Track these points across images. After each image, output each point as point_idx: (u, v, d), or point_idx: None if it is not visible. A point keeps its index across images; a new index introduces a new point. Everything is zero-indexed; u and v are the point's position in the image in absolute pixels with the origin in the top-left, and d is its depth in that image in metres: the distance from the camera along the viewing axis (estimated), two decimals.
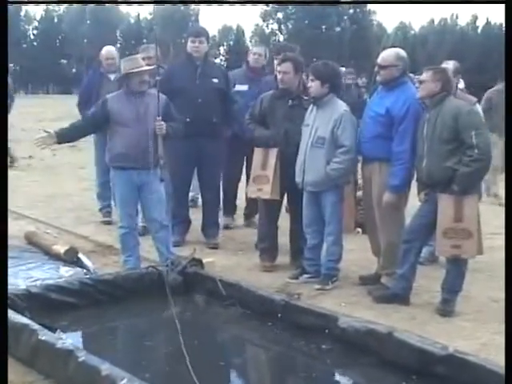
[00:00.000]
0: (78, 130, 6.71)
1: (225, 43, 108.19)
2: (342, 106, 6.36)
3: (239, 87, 8.32)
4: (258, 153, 6.87)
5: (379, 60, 6.18)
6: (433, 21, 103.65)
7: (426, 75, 5.76)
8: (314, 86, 6.33)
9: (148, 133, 6.31)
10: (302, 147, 6.44)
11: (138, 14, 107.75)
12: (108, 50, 8.97)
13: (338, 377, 4.90)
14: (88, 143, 14.68)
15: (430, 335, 4.88)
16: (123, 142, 6.41)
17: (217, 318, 5.96)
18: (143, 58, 7.89)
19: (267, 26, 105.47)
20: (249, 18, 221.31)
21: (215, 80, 7.70)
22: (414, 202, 6.31)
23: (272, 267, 6.98)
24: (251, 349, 5.54)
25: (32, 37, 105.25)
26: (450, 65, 6.94)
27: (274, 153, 6.72)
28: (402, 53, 6.24)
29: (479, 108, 6.91)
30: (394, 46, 6.55)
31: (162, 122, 6.27)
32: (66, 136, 6.63)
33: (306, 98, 6.71)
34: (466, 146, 5.52)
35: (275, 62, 7.47)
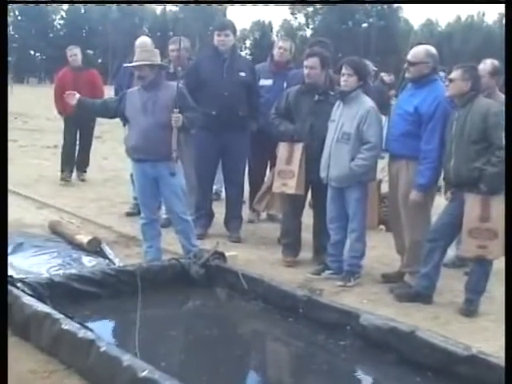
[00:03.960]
0: (103, 107, 6.79)
1: (251, 37, 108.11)
2: (368, 102, 6.33)
3: (263, 82, 8.28)
4: (283, 147, 6.85)
5: (409, 56, 6.13)
6: (459, 18, 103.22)
7: (455, 74, 5.70)
8: (350, 80, 6.28)
9: (158, 125, 6.28)
10: (327, 142, 6.42)
11: (165, 6, 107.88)
12: (141, 40, 8.91)
13: (357, 374, 4.87)
14: (111, 134, 14.74)
15: (453, 335, 4.83)
16: (134, 134, 6.47)
17: (238, 311, 5.96)
18: (172, 50, 7.96)
19: (295, 19, 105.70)
20: (278, 13, 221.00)
21: (242, 73, 7.67)
22: (439, 200, 6.27)
23: (294, 262, 6.97)
24: (271, 343, 5.53)
25: (59, 27, 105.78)
26: (487, 64, 6.73)
27: (299, 147, 6.70)
28: (432, 50, 6.17)
29: None
30: (423, 43, 6.48)
31: (179, 115, 6.25)
32: (87, 107, 6.81)
33: (332, 93, 6.69)
34: (494, 147, 5.47)
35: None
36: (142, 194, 6.68)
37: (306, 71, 6.73)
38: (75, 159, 11.56)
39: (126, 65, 7.46)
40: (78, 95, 6.60)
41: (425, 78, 6.07)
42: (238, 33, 8.43)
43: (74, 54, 11.34)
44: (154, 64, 6.38)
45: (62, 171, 11.28)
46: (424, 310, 5.78)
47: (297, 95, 6.84)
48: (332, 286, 6.28)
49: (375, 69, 13.57)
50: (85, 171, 11.66)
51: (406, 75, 6.25)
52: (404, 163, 6.18)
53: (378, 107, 6.47)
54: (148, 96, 6.36)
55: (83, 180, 11.50)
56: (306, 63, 6.73)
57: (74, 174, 11.27)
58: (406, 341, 4.65)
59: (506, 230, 5.33)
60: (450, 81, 5.76)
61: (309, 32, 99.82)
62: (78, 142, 11.57)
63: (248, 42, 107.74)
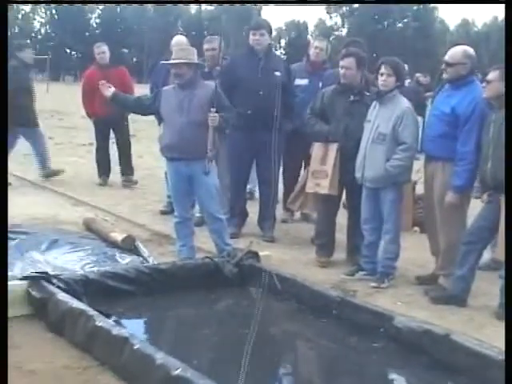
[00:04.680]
0: (137, 103, 6.83)
1: (287, 37, 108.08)
2: (404, 103, 6.29)
3: (299, 81, 8.29)
4: (317, 148, 6.84)
5: (446, 57, 6.08)
6: (496, 18, 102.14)
7: (492, 75, 5.64)
8: (389, 81, 6.25)
9: (194, 124, 6.30)
10: (362, 143, 6.39)
11: (200, 5, 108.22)
12: (177, 39, 8.92)
13: (389, 376, 4.83)
14: (145, 133, 14.80)
15: (487, 339, 4.79)
16: (168, 133, 6.49)
17: (271, 311, 5.96)
18: (207, 49, 7.97)
19: (331, 19, 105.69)
20: (313, 12, 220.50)
21: (277, 73, 7.66)
22: (475, 203, 6.22)
23: (328, 263, 6.95)
24: (303, 344, 5.51)
25: (94, 25, 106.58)
26: None
27: (333, 148, 6.68)
28: (470, 51, 6.13)
29: None
30: (460, 44, 6.43)
31: (216, 114, 6.26)
32: (120, 101, 6.84)
33: (367, 93, 6.66)
34: None
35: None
36: (175, 193, 6.70)
37: (341, 71, 6.71)
38: (110, 162, 11.24)
39: (163, 62, 7.49)
40: (112, 88, 6.62)
41: (462, 79, 6.03)
42: (273, 32, 8.39)
43: (102, 51, 10.85)
44: (191, 62, 6.39)
45: (100, 176, 11.06)
46: (458, 312, 5.74)
47: (332, 95, 6.82)
48: (366, 287, 6.26)
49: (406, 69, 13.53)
50: (131, 174, 11.14)
51: (443, 76, 6.21)
52: (440, 165, 6.14)
53: (414, 108, 6.44)
54: (184, 94, 6.37)
55: (136, 183, 11.02)
56: (341, 63, 6.71)
57: (121, 180, 11.04)
58: (441, 344, 4.62)
59: (506, 230, 5.28)
60: (488, 82, 5.71)
61: (344, 32, 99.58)
62: (114, 145, 11.28)
63: (283, 42, 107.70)
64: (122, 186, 10.85)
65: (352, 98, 6.70)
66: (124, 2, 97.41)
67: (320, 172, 6.74)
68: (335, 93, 6.82)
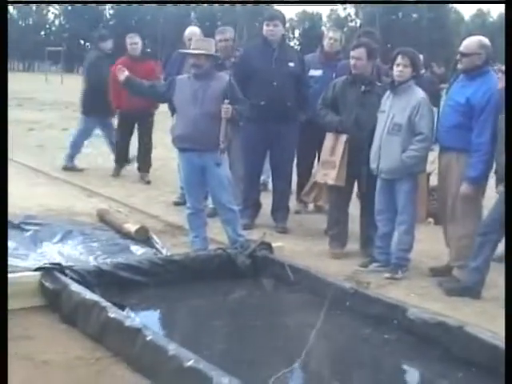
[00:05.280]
0: (151, 89, 6.83)
1: (301, 27, 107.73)
2: (419, 94, 6.25)
3: (313, 72, 8.25)
4: (328, 138, 6.83)
5: (462, 48, 6.05)
6: None
7: None
8: (405, 71, 6.21)
9: (207, 115, 6.29)
10: (377, 134, 6.36)
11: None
12: (190, 31, 8.88)
13: (403, 368, 4.84)
14: (159, 124, 14.78)
15: (500, 330, 4.73)
16: (181, 123, 6.49)
17: (283, 302, 5.95)
18: (220, 40, 7.96)
19: (344, 10, 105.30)
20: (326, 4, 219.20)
21: (291, 64, 7.65)
22: (491, 194, 6.18)
23: (341, 254, 6.93)
24: (316, 335, 5.49)
25: (108, 16, 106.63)
26: None
27: (343, 139, 6.67)
28: (485, 41, 6.08)
29: None
30: (475, 34, 6.39)
31: (229, 106, 6.25)
32: (134, 86, 6.74)
33: (379, 84, 6.64)
34: None
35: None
36: (187, 184, 6.70)
37: (352, 62, 6.69)
38: (128, 154, 11.11)
39: (181, 51, 7.48)
40: (127, 72, 6.60)
41: (477, 70, 5.98)
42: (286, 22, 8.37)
43: (135, 42, 10.49)
44: (210, 54, 6.38)
45: (116, 166, 11.02)
46: (471, 304, 5.70)
47: (343, 86, 6.80)
48: (379, 278, 6.23)
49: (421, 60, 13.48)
50: (146, 171, 10.88)
51: (458, 66, 6.18)
52: (454, 155, 6.11)
53: (428, 98, 6.41)
54: (199, 85, 6.36)
55: (149, 182, 10.60)
56: (352, 54, 6.70)
57: (136, 175, 10.94)
58: (454, 336, 4.59)
59: (506, 229, 5.24)
60: (503, 73, 5.66)
61: (358, 22, 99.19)
62: (137, 139, 11.10)
63: (297, 32, 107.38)
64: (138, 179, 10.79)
65: (363, 88, 6.68)
66: (125, 2, 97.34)
67: (329, 162, 6.73)
68: (346, 83, 6.79)
